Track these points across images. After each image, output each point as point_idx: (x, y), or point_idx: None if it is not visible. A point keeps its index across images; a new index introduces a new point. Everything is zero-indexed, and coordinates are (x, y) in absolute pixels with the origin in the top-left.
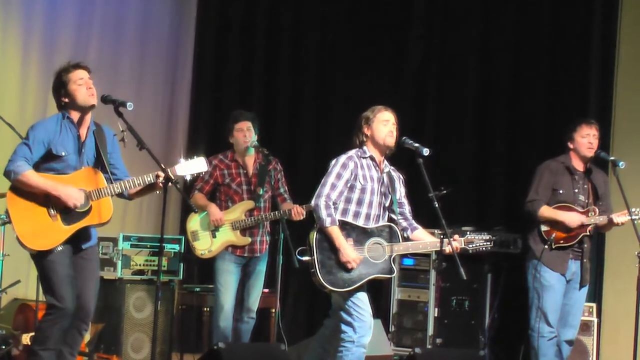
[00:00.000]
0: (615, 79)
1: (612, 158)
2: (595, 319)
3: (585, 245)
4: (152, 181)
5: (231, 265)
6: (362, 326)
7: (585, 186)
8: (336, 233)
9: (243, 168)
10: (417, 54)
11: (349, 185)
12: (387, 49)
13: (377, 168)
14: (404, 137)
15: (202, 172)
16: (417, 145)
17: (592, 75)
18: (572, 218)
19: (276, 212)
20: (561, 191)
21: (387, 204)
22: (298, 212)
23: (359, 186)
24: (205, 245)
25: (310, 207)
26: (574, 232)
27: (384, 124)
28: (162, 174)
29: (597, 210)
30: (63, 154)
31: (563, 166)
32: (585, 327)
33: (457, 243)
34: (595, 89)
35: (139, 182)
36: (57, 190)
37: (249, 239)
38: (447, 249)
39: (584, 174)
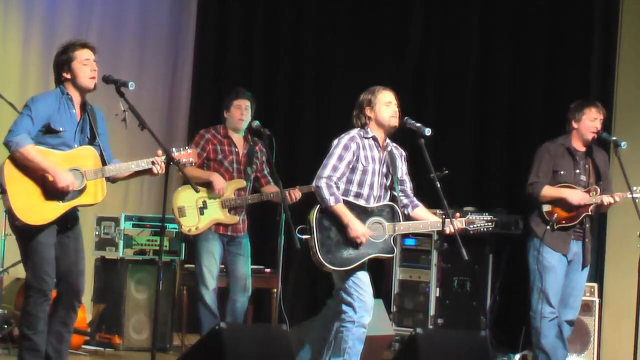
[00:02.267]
0: (618, 58)
1: (614, 138)
2: (596, 299)
3: (587, 225)
4: (147, 167)
5: (215, 245)
6: (362, 306)
7: (586, 166)
8: (342, 210)
9: (235, 146)
10: (417, 39)
11: (350, 166)
12: (387, 34)
13: (379, 148)
14: (405, 117)
15: (192, 163)
16: (419, 125)
17: (593, 54)
18: (574, 195)
19: (270, 194)
20: (562, 172)
21: (388, 184)
22: (294, 195)
23: (361, 167)
24: (192, 222)
25: (309, 189)
26: (575, 212)
27: (386, 105)
28: (158, 161)
29: (598, 189)
30: (61, 129)
31: (563, 147)
32: (586, 307)
33: (458, 223)
34: (596, 68)
35: (133, 166)
36: (53, 171)
37: (237, 218)
38: (448, 229)
39: (585, 154)
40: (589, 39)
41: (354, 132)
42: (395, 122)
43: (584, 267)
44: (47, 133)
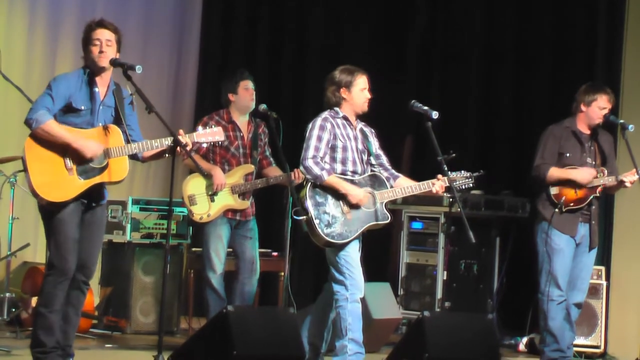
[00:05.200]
0: (624, 40)
1: (621, 121)
2: (604, 282)
3: (594, 207)
4: (170, 145)
5: (223, 230)
6: (354, 284)
7: (592, 148)
8: (336, 181)
9: (240, 131)
10: (422, 23)
11: (330, 145)
12: (392, 17)
13: (351, 126)
14: (412, 101)
15: (219, 141)
16: (425, 108)
17: (599, 37)
18: (583, 174)
19: (278, 176)
20: (568, 155)
21: (366, 158)
22: (297, 175)
23: (340, 145)
24: (203, 209)
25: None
26: (583, 194)
27: (361, 91)
28: (181, 141)
29: (605, 171)
30: (82, 107)
31: (568, 130)
32: (594, 290)
33: (441, 182)
34: (603, 50)
35: (156, 144)
36: (77, 142)
37: (247, 203)
38: (434, 190)
39: (590, 137)
40: (595, 19)
41: (325, 114)
42: (366, 107)
43: (591, 249)
44: (69, 112)
